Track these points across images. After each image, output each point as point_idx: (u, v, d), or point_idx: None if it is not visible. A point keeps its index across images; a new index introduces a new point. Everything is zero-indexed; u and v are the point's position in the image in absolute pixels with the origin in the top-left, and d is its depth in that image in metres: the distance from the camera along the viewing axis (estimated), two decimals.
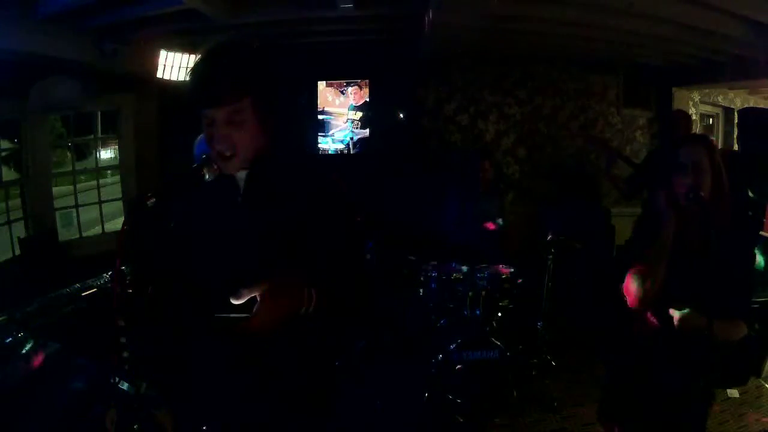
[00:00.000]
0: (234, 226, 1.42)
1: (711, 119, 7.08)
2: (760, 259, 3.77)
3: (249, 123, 1.33)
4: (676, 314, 1.69)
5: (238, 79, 1.29)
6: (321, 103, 5.81)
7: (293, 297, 1.30)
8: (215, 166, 1.33)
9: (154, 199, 1.19)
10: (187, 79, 1.37)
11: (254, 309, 1.24)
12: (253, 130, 1.34)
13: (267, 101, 1.35)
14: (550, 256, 3.82)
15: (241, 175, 1.41)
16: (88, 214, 5.45)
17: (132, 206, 1.23)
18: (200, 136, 2.58)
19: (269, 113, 1.36)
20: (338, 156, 5.85)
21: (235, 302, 1.23)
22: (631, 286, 1.79)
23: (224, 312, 1.27)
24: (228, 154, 1.33)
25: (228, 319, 1.26)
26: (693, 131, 4.87)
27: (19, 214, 4.64)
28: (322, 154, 5.78)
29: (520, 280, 3.79)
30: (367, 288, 1.51)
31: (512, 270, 3.77)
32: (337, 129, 5.84)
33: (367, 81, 5.73)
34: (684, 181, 1.72)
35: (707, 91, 6.33)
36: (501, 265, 3.79)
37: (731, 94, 6.67)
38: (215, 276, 1.42)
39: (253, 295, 1.24)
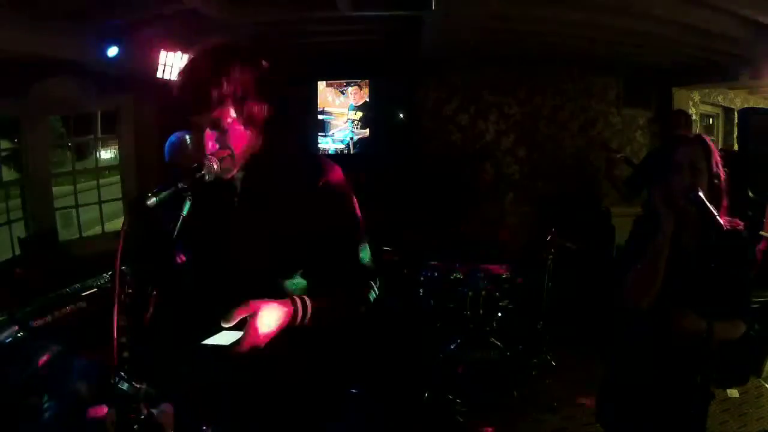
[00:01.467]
0: (230, 228, 1.42)
1: (711, 119, 7.08)
2: None
3: (234, 127, 1.32)
4: (675, 317, 1.69)
5: (218, 85, 1.28)
6: (321, 103, 5.80)
7: (284, 314, 1.29)
8: (215, 166, 1.33)
9: (154, 199, 1.19)
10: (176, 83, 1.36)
11: (243, 332, 1.23)
12: (240, 133, 1.34)
13: (251, 107, 1.33)
14: (550, 256, 3.82)
15: (238, 176, 1.41)
16: (88, 214, 5.45)
17: (132, 206, 1.22)
18: (172, 136, 2.63)
19: (256, 118, 1.35)
20: (338, 156, 5.85)
21: (225, 325, 1.22)
22: (631, 287, 1.79)
23: (213, 329, 1.25)
24: (218, 158, 1.33)
25: (216, 348, 1.24)
26: (693, 131, 4.88)
27: (19, 214, 4.64)
28: (322, 154, 5.78)
29: (520, 280, 3.79)
30: (367, 290, 1.50)
31: (512, 270, 3.77)
32: (337, 129, 5.84)
33: (367, 81, 5.73)
34: (681, 182, 1.72)
35: (707, 91, 6.33)
36: (501, 265, 3.79)
37: (731, 94, 6.67)
38: (211, 279, 1.42)
39: (243, 316, 1.23)
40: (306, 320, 1.33)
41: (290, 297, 1.33)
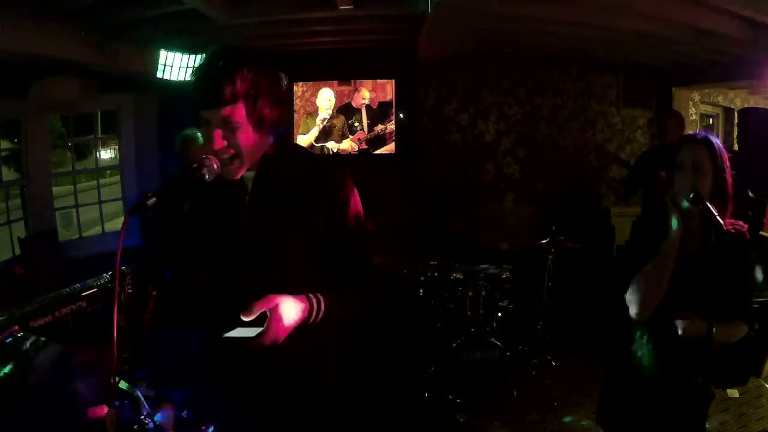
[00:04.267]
0: (241, 228, 1.42)
1: (711, 119, 7.08)
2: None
3: (244, 126, 1.33)
4: (677, 323, 1.68)
5: (232, 83, 1.29)
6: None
7: (302, 309, 1.29)
8: (215, 166, 1.33)
9: (154, 199, 1.19)
10: (191, 79, 1.39)
11: (265, 326, 1.23)
12: (250, 133, 1.34)
13: (262, 106, 1.34)
14: (550, 256, 3.82)
15: (249, 176, 1.41)
16: (88, 214, 5.46)
17: (132, 206, 1.23)
18: (185, 130, 2.67)
19: (266, 117, 1.36)
20: (338, 156, 5.84)
21: (245, 319, 1.22)
22: (635, 292, 1.76)
23: (231, 324, 1.26)
24: (225, 156, 1.33)
25: (237, 340, 1.24)
26: (687, 131, 4.87)
27: (19, 214, 4.64)
28: (326, 154, 5.78)
29: (520, 280, 3.79)
30: (375, 290, 1.51)
31: (512, 270, 3.77)
32: (337, 129, 5.83)
33: (367, 81, 5.73)
34: (684, 182, 1.70)
35: (707, 91, 6.32)
36: (501, 266, 3.79)
37: (731, 94, 6.66)
38: (221, 279, 1.42)
39: (263, 310, 1.23)
40: (320, 317, 1.33)
41: (305, 294, 1.33)
